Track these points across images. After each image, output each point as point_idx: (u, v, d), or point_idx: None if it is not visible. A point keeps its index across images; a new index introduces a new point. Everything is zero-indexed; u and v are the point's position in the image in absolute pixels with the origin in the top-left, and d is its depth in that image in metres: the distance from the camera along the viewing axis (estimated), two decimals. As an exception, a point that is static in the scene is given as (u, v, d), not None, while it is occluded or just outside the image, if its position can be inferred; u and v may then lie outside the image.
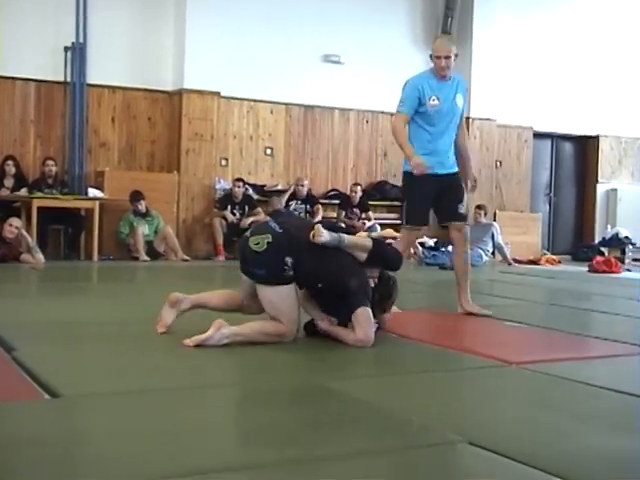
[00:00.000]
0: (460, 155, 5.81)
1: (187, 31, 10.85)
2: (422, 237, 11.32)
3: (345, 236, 4.45)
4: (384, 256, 4.59)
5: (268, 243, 4.28)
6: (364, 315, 4.33)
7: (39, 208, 9.61)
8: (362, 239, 4.59)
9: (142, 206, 10.32)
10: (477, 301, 7.12)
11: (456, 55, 5.55)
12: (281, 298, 4.31)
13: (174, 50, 11.01)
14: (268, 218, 10.55)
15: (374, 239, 4.64)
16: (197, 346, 4.13)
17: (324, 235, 4.32)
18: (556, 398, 3.55)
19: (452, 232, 5.80)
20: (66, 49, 10.42)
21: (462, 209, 5.76)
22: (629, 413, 3.37)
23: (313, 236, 4.33)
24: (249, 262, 4.37)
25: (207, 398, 3.30)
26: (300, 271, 4.33)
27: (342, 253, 4.40)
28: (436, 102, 5.53)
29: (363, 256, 4.43)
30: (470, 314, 5.66)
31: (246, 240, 4.40)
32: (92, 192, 10.29)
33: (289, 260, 4.29)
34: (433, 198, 5.72)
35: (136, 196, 10.27)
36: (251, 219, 10.90)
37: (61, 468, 2.43)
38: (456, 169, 5.72)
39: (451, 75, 5.59)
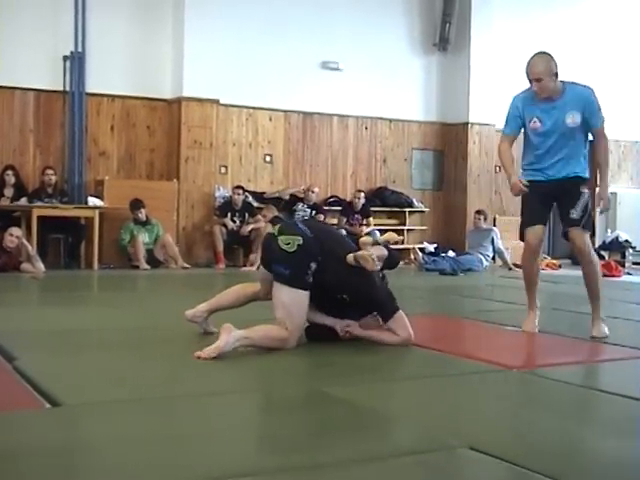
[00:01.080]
0: (595, 170, 5.29)
1: (185, 39, 10.87)
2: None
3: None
4: (392, 260, 4.71)
5: (299, 245, 4.34)
6: (403, 318, 4.57)
7: (39, 217, 9.62)
8: (380, 249, 4.66)
9: (142, 214, 10.33)
10: (478, 306, 7.14)
11: (556, 75, 5.10)
12: (295, 302, 4.34)
13: (173, 58, 11.02)
14: (276, 224, 10.63)
15: (387, 247, 4.71)
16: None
17: (378, 267, 4.44)
18: (557, 402, 3.55)
19: (570, 242, 5.19)
20: (65, 58, 10.44)
21: (574, 214, 5.09)
22: (631, 417, 3.37)
23: (358, 262, 4.37)
24: (274, 259, 4.40)
25: (209, 405, 3.30)
26: (322, 279, 4.36)
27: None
28: (537, 124, 5.17)
29: (379, 265, 4.51)
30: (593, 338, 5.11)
31: (273, 237, 4.44)
32: (92, 201, 10.29)
33: (313, 266, 4.35)
34: (550, 205, 5.31)
35: (136, 204, 10.28)
36: (251, 226, 10.91)
37: (63, 477, 2.43)
38: (575, 174, 5.15)
39: (560, 93, 5.13)
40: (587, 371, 4.31)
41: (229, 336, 4.13)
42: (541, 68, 5.07)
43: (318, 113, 12.18)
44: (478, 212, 11.89)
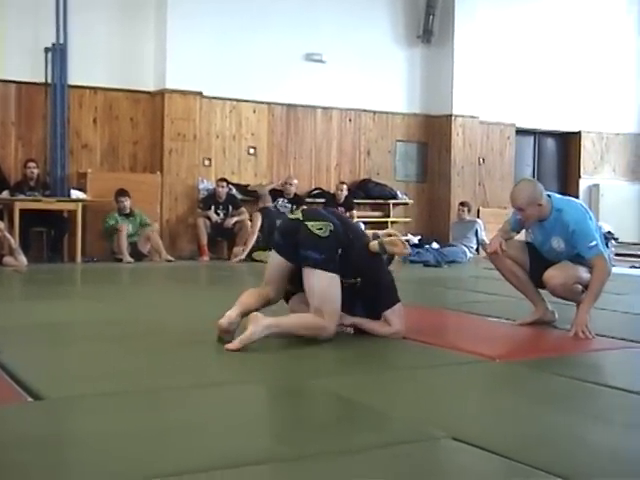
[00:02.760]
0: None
1: (168, 31, 10.81)
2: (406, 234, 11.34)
3: None
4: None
5: (331, 231, 4.36)
6: (401, 310, 4.61)
7: (21, 210, 9.57)
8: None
9: (127, 204, 10.27)
10: (462, 298, 7.16)
11: (539, 205, 4.94)
12: (330, 286, 4.34)
13: (155, 50, 10.97)
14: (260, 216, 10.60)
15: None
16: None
17: (408, 250, 4.63)
18: (539, 393, 3.57)
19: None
20: (46, 50, 10.36)
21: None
22: (614, 406, 3.39)
23: (384, 248, 4.46)
24: (305, 244, 4.35)
25: (193, 398, 3.29)
26: (343, 266, 4.39)
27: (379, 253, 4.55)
28: (531, 235, 5.28)
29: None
30: None
31: (299, 222, 4.41)
32: (74, 194, 10.24)
33: (340, 251, 4.38)
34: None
35: (121, 192, 10.24)
36: (235, 219, 10.90)
37: (46, 472, 2.41)
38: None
39: (548, 216, 5.00)
40: (571, 362, 4.32)
41: (257, 325, 4.11)
42: (523, 200, 4.98)
43: (302, 105, 12.16)
44: (462, 204, 11.91)
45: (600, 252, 4.89)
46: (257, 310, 4.48)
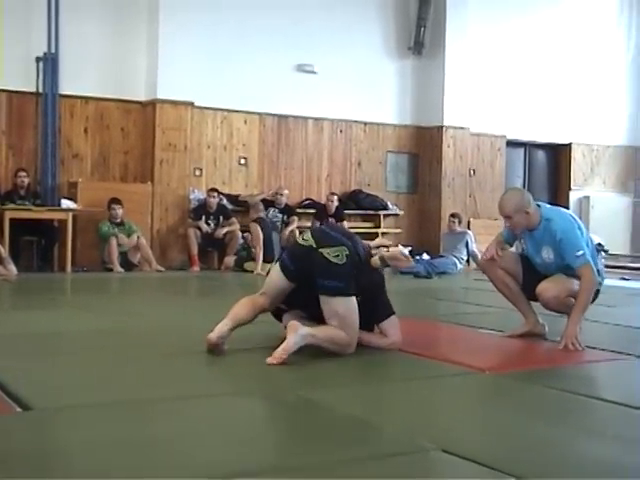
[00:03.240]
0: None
1: (160, 41, 10.82)
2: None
3: None
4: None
5: (347, 255, 4.32)
6: (397, 322, 4.67)
7: (11, 220, 9.54)
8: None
9: (119, 212, 10.24)
10: (452, 309, 7.17)
11: (527, 212, 4.96)
12: (350, 310, 4.34)
13: (147, 60, 10.96)
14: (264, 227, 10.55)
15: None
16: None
17: (412, 262, 4.73)
18: (529, 405, 3.57)
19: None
20: (38, 59, 10.35)
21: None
22: (602, 419, 3.40)
23: (385, 263, 4.52)
24: (323, 274, 4.30)
25: (182, 410, 3.28)
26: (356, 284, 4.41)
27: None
28: (523, 246, 5.26)
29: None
30: None
31: (313, 250, 4.34)
32: (65, 203, 10.21)
33: (354, 272, 4.35)
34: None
35: (115, 200, 10.22)
36: (226, 229, 10.88)
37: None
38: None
39: (537, 225, 5.03)
40: (561, 374, 4.33)
41: (296, 335, 4.10)
42: (510, 207, 5.00)
43: (293, 116, 12.17)
44: (453, 215, 11.93)
45: (587, 261, 4.88)
46: (249, 322, 4.47)
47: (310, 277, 4.33)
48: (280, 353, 4.05)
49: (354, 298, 4.35)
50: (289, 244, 4.84)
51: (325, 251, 4.31)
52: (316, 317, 4.46)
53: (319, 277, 4.30)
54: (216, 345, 4.26)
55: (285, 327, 4.53)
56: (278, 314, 4.84)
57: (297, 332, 4.10)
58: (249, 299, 4.58)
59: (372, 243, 4.85)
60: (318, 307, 4.39)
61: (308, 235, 4.52)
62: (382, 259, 4.49)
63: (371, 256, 4.54)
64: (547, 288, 5.02)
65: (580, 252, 4.88)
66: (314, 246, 4.35)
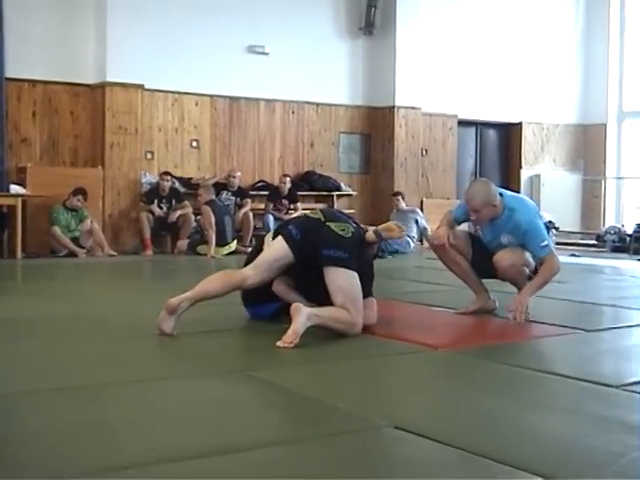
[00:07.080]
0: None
1: (108, 23, 10.66)
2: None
3: None
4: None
5: (352, 232, 4.49)
6: (374, 304, 4.75)
7: (-41, 206, 9.39)
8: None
9: (80, 204, 10.11)
10: (404, 288, 7.21)
11: (494, 206, 5.06)
12: (354, 284, 4.40)
13: (95, 42, 10.80)
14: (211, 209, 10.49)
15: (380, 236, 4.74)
16: (131, 341, 4.08)
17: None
18: (482, 381, 3.62)
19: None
20: (-17, 43, 10.16)
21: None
22: (552, 392, 3.45)
23: (380, 235, 4.64)
24: (328, 244, 4.39)
25: (134, 393, 3.28)
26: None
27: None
28: (479, 233, 5.37)
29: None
30: None
31: (321, 223, 4.49)
32: (14, 189, 10.05)
33: (356, 250, 4.48)
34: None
35: (80, 190, 10.10)
36: (178, 213, 10.81)
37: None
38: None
39: (500, 215, 5.12)
40: (513, 349, 4.39)
41: (302, 316, 4.09)
42: (478, 202, 5.08)
43: (245, 98, 12.10)
44: (395, 194, 12.01)
45: (551, 251, 5.08)
46: (218, 297, 4.46)
47: (313, 251, 4.40)
48: (290, 336, 4.05)
49: (357, 275, 4.41)
50: (296, 219, 4.84)
51: (333, 224, 4.49)
52: (312, 298, 4.51)
53: (325, 248, 4.39)
54: (174, 310, 4.26)
55: (276, 292, 4.64)
56: (247, 298, 4.83)
57: (303, 313, 4.10)
58: (224, 273, 4.66)
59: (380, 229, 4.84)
60: (316, 287, 4.42)
61: (317, 211, 4.76)
62: (376, 232, 4.62)
63: (366, 232, 4.67)
64: (504, 257, 5.14)
65: (545, 242, 5.05)
66: (323, 220, 4.54)
